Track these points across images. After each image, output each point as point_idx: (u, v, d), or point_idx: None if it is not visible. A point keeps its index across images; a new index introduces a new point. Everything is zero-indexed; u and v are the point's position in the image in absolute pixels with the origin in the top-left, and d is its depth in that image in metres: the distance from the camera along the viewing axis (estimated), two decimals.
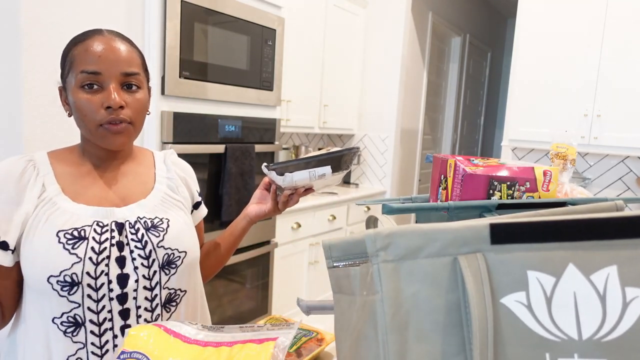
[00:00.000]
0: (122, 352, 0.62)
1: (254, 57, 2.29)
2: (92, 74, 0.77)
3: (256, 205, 1.02)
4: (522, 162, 0.79)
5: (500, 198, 0.74)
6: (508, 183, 0.74)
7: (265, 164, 0.94)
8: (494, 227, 0.42)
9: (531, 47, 2.81)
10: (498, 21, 5.68)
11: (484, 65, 5.45)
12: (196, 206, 0.99)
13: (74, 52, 0.79)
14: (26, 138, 1.59)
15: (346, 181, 3.75)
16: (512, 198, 0.74)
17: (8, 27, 1.57)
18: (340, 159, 0.93)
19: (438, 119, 4.66)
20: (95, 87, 0.78)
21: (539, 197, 0.75)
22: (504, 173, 0.74)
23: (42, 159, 0.82)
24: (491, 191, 0.74)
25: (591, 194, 0.84)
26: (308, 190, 0.98)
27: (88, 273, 0.75)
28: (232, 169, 2.18)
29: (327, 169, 0.92)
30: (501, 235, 0.42)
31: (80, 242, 0.76)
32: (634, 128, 2.53)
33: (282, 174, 0.92)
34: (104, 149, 0.84)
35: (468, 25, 4.81)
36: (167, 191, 0.91)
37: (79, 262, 0.75)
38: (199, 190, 1.01)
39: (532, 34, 2.80)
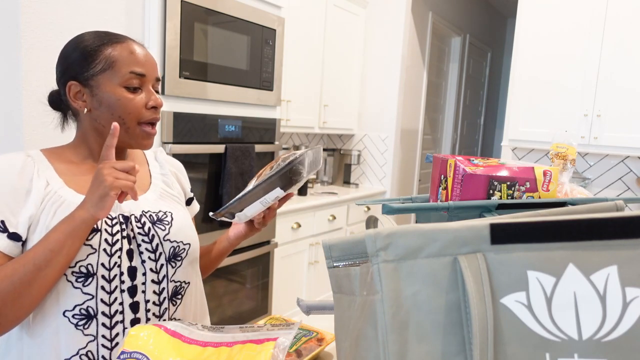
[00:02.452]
0: (122, 352, 0.62)
1: (254, 57, 2.29)
2: (139, 75, 0.82)
3: (235, 226, 1.02)
4: (522, 162, 0.79)
5: (500, 198, 0.74)
6: (508, 183, 0.74)
7: (211, 213, 0.91)
8: (494, 227, 0.42)
9: (531, 47, 2.81)
10: (498, 21, 5.68)
11: (484, 65, 5.45)
12: (188, 202, 1.01)
13: (114, 52, 0.81)
14: (26, 138, 1.59)
15: (346, 181, 3.75)
16: (512, 198, 0.74)
17: (8, 27, 1.57)
18: (285, 176, 0.83)
19: (438, 119, 4.66)
20: (138, 88, 0.83)
21: (539, 197, 0.75)
22: (504, 173, 0.74)
23: (38, 156, 0.82)
24: (491, 191, 0.74)
25: (591, 194, 0.84)
26: (283, 199, 0.93)
27: (103, 264, 0.76)
28: (232, 169, 2.17)
29: (278, 191, 0.85)
30: (501, 235, 0.42)
31: (94, 233, 0.77)
32: (634, 128, 2.52)
33: (232, 217, 0.88)
34: None
35: (468, 25, 4.81)
36: (163, 186, 0.93)
37: (94, 253, 0.76)
38: (190, 187, 1.03)
39: (532, 33, 2.80)
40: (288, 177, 0.84)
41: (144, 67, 0.83)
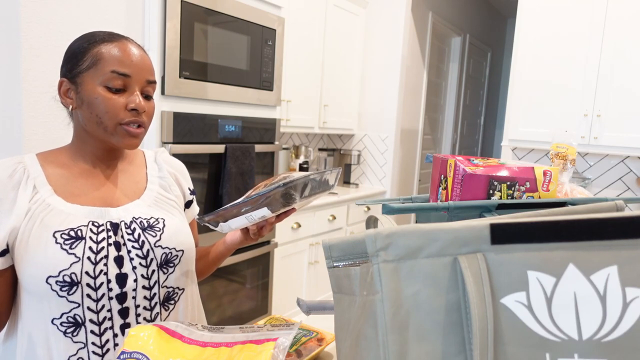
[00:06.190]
0: (122, 352, 0.62)
1: (254, 57, 2.29)
2: (122, 76, 0.79)
3: (233, 232, 1.00)
4: (522, 162, 0.79)
5: (500, 198, 0.74)
6: (508, 183, 0.74)
7: (197, 216, 0.90)
8: (494, 227, 0.42)
9: (531, 47, 2.81)
10: (498, 21, 5.68)
11: (484, 65, 5.45)
12: (188, 205, 0.99)
13: (102, 50, 0.79)
14: (26, 138, 1.59)
15: (346, 181, 3.75)
16: (512, 198, 0.74)
17: (8, 27, 1.57)
18: (274, 198, 0.80)
19: (438, 119, 4.66)
20: (121, 89, 0.80)
21: (539, 197, 0.75)
22: (504, 173, 0.74)
23: (31, 161, 0.81)
24: (491, 191, 0.74)
25: (591, 194, 0.84)
26: (284, 214, 0.91)
27: (87, 272, 0.75)
28: (232, 169, 2.17)
29: (265, 211, 0.82)
30: (501, 235, 0.42)
31: (78, 242, 0.76)
32: (634, 128, 2.52)
33: (216, 224, 0.86)
34: (103, 148, 0.85)
35: (468, 25, 4.81)
36: (160, 190, 0.91)
37: (78, 261, 0.75)
38: (191, 189, 1.00)
39: (532, 33, 2.80)
40: (277, 200, 0.81)
41: (129, 68, 0.80)
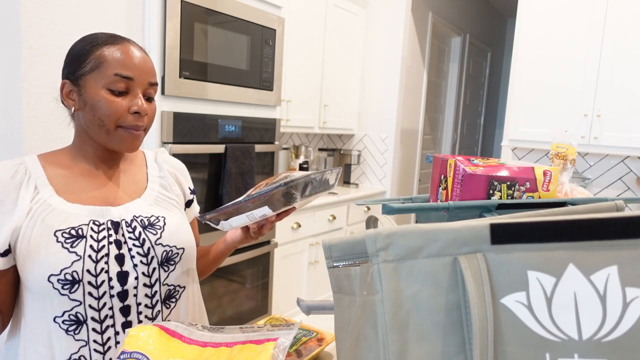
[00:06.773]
0: (122, 352, 0.62)
1: (254, 57, 2.29)
2: (125, 79, 0.80)
3: (232, 231, 1.00)
4: (522, 162, 0.79)
5: (500, 198, 0.74)
6: (508, 183, 0.74)
7: (198, 215, 0.91)
8: (494, 227, 0.42)
9: (531, 47, 2.80)
10: (498, 21, 5.68)
11: (484, 65, 5.45)
12: (188, 204, 0.99)
13: (105, 52, 0.80)
14: (26, 138, 1.59)
15: (346, 181, 3.75)
16: (512, 198, 0.74)
17: (8, 27, 1.57)
18: (274, 197, 0.82)
19: (438, 119, 4.66)
20: (124, 91, 0.80)
21: (539, 197, 0.75)
22: (504, 173, 0.74)
23: (32, 162, 0.82)
24: (491, 191, 0.74)
25: (591, 194, 0.84)
26: (284, 213, 0.91)
27: (88, 271, 0.76)
28: (232, 169, 2.18)
29: (266, 210, 0.83)
30: (501, 235, 0.42)
31: (79, 240, 0.76)
32: (634, 128, 2.52)
33: (217, 223, 0.87)
34: (104, 149, 0.85)
35: (468, 25, 4.81)
36: (160, 190, 0.92)
37: (79, 260, 0.75)
38: (192, 188, 1.01)
39: (532, 34, 2.80)
40: (278, 199, 0.83)
41: (132, 71, 0.80)
